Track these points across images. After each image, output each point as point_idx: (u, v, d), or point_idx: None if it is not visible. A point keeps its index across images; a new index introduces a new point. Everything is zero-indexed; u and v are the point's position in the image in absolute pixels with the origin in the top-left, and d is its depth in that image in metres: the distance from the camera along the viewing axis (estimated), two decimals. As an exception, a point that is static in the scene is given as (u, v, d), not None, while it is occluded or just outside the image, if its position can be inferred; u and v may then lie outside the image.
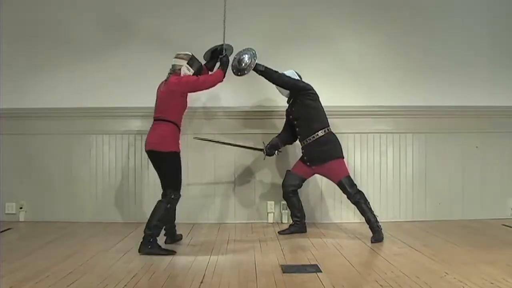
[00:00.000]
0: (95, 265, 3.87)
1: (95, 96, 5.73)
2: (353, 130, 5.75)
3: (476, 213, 5.75)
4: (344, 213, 5.73)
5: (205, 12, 5.74)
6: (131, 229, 5.25)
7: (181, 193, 4.43)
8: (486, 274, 3.49)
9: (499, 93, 5.86)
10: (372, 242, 4.59)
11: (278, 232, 5.10)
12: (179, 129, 4.47)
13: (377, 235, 4.65)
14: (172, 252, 4.24)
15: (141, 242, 4.24)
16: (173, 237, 4.67)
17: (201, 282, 3.42)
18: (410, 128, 5.79)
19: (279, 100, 5.50)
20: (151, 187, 5.73)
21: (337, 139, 4.93)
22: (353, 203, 4.81)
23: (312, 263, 3.90)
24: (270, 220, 5.71)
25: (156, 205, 4.33)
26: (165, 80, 4.52)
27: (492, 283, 3.28)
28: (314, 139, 4.85)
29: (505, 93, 5.87)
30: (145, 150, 4.43)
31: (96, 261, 3.99)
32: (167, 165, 4.36)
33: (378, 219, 4.73)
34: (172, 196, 4.34)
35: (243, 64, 4.79)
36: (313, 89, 4.92)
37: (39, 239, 4.78)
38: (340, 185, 4.82)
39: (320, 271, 3.64)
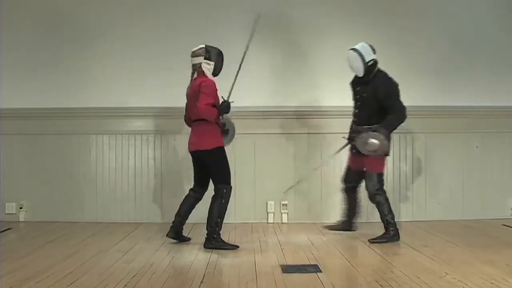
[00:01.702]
0: (95, 265, 3.86)
1: (95, 96, 5.73)
2: (353, 130, 5.75)
3: (476, 213, 5.75)
4: (344, 213, 5.73)
5: (205, 11, 5.76)
6: (131, 229, 5.26)
7: (231, 185, 4.53)
8: (486, 274, 3.49)
9: (499, 93, 5.86)
10: (369, 239, 4.60)
11: (325, 227, 5.08)
12: (218, 125, 4.52)
13: (380, 238, 4.62)
14: (234, 247, 4.39)
15: (206, 239, 4.44)
16: (177, 233, 4.66)
17: (201, 282, 3.41)
18: (410, 128, 5.78)
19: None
20: (151, 187, 5.74)
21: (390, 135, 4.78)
22: (372, 202, 4.75)
23: (312, 263, 3.90)
24: (270, 220, 5.72)
25: (211, 204, 4.46)
26: (191, 82, 4.57)
27: (492, 283, 3.28)
28: (369, 129, 4.73)
29: (505, 93, 5.88)
30: (189, 152, 4.57)
31: (96, 261, 3.99)
32: (214, 160, 4.47)
33: (394, 224, 4.66)
34: (224, 191, 4.44)
35: (375, 147, 4.64)
36: (397, 86, 4.74)
37: (39, 239, 4.79)
38: (368, 178, 4.73)
39: (320, 271, 3.64)
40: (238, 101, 5.62)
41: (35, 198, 5.72)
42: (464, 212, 5.74)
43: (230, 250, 4.36)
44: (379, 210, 4.71)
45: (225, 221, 5.62)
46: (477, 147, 5.85)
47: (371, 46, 4.77)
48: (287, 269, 3.72)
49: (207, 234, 4.45)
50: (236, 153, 5.67)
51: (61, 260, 3.98)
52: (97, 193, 5.75)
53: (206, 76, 4.46)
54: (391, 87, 4.71)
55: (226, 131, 4.66)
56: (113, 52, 5.76)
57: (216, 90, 4.47)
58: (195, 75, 4.52)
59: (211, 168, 4.51)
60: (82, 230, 5.21)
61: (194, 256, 4.16)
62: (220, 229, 4.46)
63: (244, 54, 4.58)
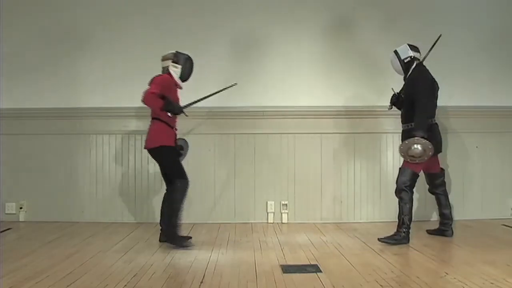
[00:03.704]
0: (95, 265, 3.87)
1: (95, 96, 5.73)
2: (353, 130, 5.75)
3: (476, 213, 5.75)
4: (344, 213, 5.73)
5: (205, 10, 5.77)
6: (131, 229, 5.26)
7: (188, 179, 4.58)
8: (486, 274, 3.49)
9: (499, 93, 5.87)
10: (379, 239, 4.57)
11: (426, 231, 4.98)
12: (169, 125, 4.56)
13: (389, 238, 4.56)
14: (188, 246, 4.45)
15: (164, 234, 4.56)
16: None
17: (201, 282, 3.42)
18: (410, 128, 5.78)
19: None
20: (151, 187, 5.74)
21: (434, 135, 4.67)
22: (396, 195, 4.66)
23: (312, 263, 3.91)
24: (270, 220, 5.72)
25: (168, 200, 4.54)
26: None
27: (492, 283, 3.28)
28: (408, 128, 4.68)
29: (505, 93, 5.88)
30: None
31: (96, 261, 4.00)
32: (162, 159, 4.57)
33: (408, 226, 4.57)
34: (179, 184, 4.48)
35: (418, 153, 4.53)
36: (430, 86, 4.65)
37: (39, 239, 4.78)
38: (401, 170, 4.67)
39: (320, 271, 3.65)
40: (238, 101, 5.68)
41: (35, 198, 5.71)
42: (464, 212, 5.74)
43: (183, 248, 4.38)
44: (399, 207, 4.62)
45: (225, 221, 5.67)
46: (477, 147, 5.85)
47: (411, 45, 4.76)
48: (287, 269, 3.73)
49: (166, 231, 4.54)
50: (236, 153, 5.69)
51: (61, 260, 3.99)
52: (97, 193, 5.75)
53: (164, 74, 4.58)
54: (418, 83, 4.62)
55: (181, 153, 4.81)
56: (113, 52, 5.75)
57: (170, 86, 4.52)
58: None
59: (161, 165, 4.62)
60: (82, 230, 5.22)
61: (194, 256, 4.16)
62: (177, 224, 4.46)
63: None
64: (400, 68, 4.77)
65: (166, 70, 4.61)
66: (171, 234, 4.47)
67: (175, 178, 4.54)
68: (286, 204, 5.71)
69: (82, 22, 5.77)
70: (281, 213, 5.72)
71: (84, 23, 5.78)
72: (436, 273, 3.56)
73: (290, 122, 5.73)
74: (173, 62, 4.58)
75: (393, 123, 5.77)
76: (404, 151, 4.60)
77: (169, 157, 4.57)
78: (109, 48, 5.77)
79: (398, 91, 4.85)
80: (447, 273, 3.53)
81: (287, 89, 5.75)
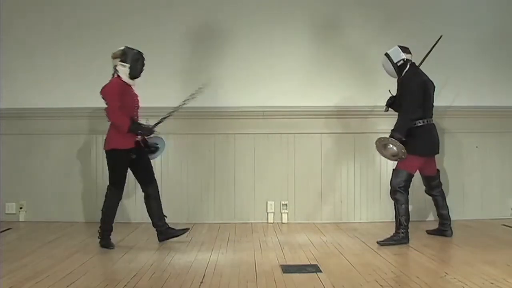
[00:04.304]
0: (95, 265, 3.87)
1: (95, 96, 5.70)
2: (353, 130, 5.75)
3: (476, 213, 5.75)
4: (344, 213, 5.73)
5: (205, 10, 5.77)
6: (131, 229, 5.26)
7: (122, 193, 4.62)
8: (486, 274, 3.49)
9: (500, 93, 5.86)
10: (378, 242, 4.55)
11: (426, 231, 4.98)
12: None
13: (388, 240, 4.54)
14: (110, 247, 4.42)
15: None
16: (167, 234, 4.70)
17: (201, 282, 3.42)
18: (410, 128, 5.78)
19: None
20: (151, 187, 5.74)
21: (431, 135, 4.70)
22: (391, 197, 4.65)
23: (312, 263, 3.91)
24: (270, 220, 5.72)
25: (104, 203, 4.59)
26: None
27: (492, 283, 3.28)
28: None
29: (505, 93, 5.87)
30: None
31: (96, 261, 4.00)
32: (107, 161, 4.55)
33: (406, 226, 4.55)
34: (109, 192, 4.54)
35: (394, 152, 4.58)
36: (421, 87, 4.62)
37: (39, 239, 4.79)
38: (394, 172, 4.64)
39: (320, 271, 3.65)
40: (238, 101, 5.68)
41: (35, 198, 5.71)
42: (464, 212, 5.74)
43: (104, 247, 4.43)
44: (395, 208, 4.59)
45: (225, 221, 5.67)
46: (477, 147, 5.85)
47: (402, 47, 4.74)
48: (287, 269, 3.73)
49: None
50: (236, 153, 5.69)
51: (61, 260, 3.99)
52: (97, 193, 5.73)
53: (111, 80, 4.51)
54: (408, 85, 4.62)
55: (155, 149, 4.74)
56: (111, 52, 5.74)
57: (123, 90, 4.48)
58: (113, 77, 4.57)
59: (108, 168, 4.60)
60: (82, 230, 5.22)
61: (194, 256, 4.17)
62: (104, 226, 4.49)
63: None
64: (393, 70, 4.74)
65: (115, 69, 4.53)
66: (98, 231, 4.50)
67: (110, 184, 4.54)
68: (286, 204, 5.71)
69: (82, 22, 5.76)
70: (281, 213, 5.72)
71: (84, 23, 5.77)
72: (436, 273, 3.56)
73: (290, 122, 5.73)
74: (121, 60, 4.48)
75: (393, 123, 5.75)
76: (380, 147, 4.64)
77: (115, 161, 4.52)
78: (109, 48, 5.74)
79: (395, 93, 4.85)
80: (447, 273, 3.54)
81: (287, 89, 5.74)
